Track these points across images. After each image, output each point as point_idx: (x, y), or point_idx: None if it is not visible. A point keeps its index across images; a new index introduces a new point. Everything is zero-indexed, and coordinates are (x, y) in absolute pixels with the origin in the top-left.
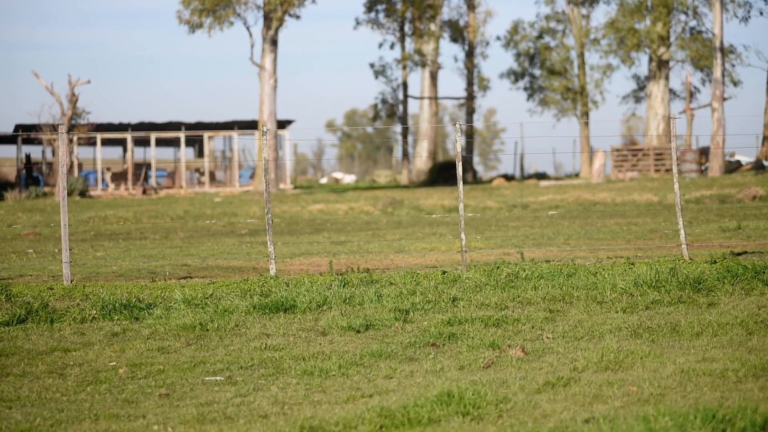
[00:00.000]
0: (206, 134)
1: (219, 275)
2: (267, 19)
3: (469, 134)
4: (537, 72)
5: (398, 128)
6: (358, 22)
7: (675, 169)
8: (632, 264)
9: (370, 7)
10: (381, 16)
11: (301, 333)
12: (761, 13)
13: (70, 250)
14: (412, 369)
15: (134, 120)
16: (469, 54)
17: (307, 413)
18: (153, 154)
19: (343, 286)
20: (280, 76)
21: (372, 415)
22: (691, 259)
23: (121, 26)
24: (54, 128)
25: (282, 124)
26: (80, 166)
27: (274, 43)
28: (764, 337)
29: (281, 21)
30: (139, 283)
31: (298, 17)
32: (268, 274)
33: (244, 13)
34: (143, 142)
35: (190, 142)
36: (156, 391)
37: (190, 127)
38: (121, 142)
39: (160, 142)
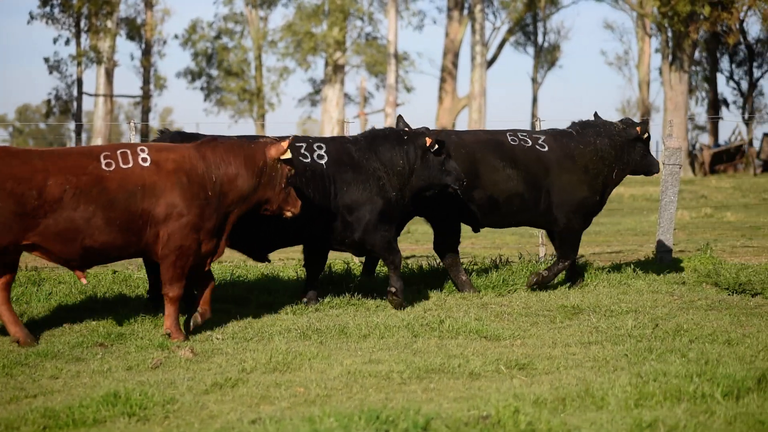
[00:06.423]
0: None
1: None
2: None
3: (145, 133)
4: (214, 72)
5: (72, 125)
6: (32, 17)
7: None
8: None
9: (45, 2)
10: (56, 11)
11: None
12: (435, 22)
13: None
14: (78, 369)
15: None
16: (146, 52)
17: None
18: None
19: None
20: None
21: (35, 416)
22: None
23: None
24: None
25: None
26: None
27: None
28: (428, 340)
29: None
30: None
31: None
32: None
33: None
34: None
35: None
36: None
37: None
38: None
39: None
